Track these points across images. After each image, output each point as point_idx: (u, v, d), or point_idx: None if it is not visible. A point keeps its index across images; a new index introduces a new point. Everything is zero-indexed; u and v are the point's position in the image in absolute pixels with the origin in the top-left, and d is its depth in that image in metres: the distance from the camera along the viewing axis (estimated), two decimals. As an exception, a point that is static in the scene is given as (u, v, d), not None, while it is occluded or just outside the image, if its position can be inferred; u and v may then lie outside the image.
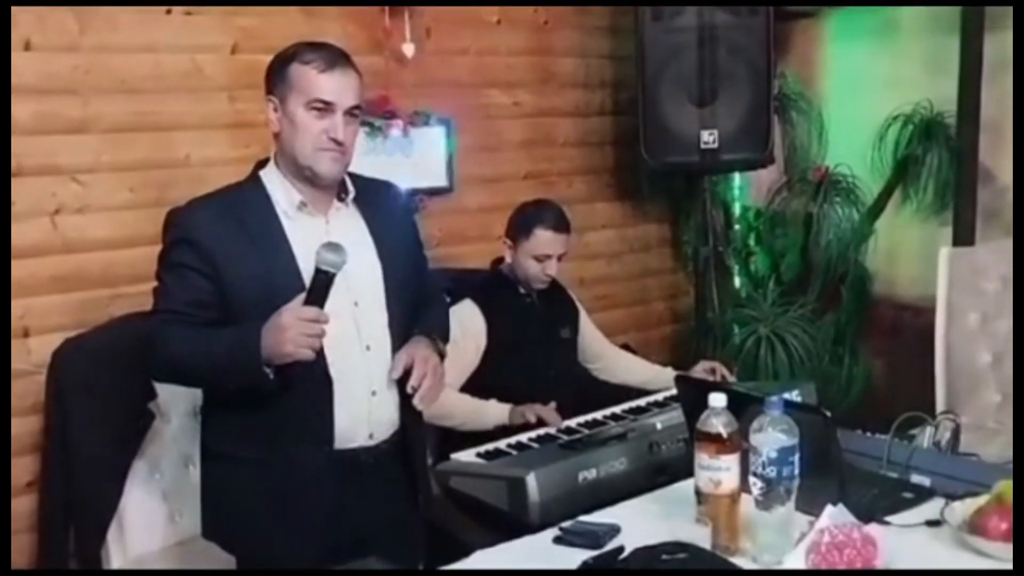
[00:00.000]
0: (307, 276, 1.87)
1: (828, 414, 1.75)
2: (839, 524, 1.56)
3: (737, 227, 4.22)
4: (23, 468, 2.74)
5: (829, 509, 1.59)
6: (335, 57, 1.93)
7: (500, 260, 2.95)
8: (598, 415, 2.67)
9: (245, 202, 1.95)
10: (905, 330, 3.90)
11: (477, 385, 2.75)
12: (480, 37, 3.61)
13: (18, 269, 2.72)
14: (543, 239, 2.80)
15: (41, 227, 2.75)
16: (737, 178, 4.24)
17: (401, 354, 1.97)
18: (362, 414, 1.96)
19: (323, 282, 1.81)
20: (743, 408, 1.72)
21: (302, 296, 1.82)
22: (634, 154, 3.86)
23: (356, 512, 1.94)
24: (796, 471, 1.61)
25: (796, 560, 1.56)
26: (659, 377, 2.99)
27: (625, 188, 4.10)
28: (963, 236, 3.55)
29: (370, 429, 1.98)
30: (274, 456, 1.90)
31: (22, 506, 2.74)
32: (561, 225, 2.84)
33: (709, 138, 3.47)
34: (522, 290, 2.90)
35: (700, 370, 2.99)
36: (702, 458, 1.69)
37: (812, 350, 3.65)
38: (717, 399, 1.68)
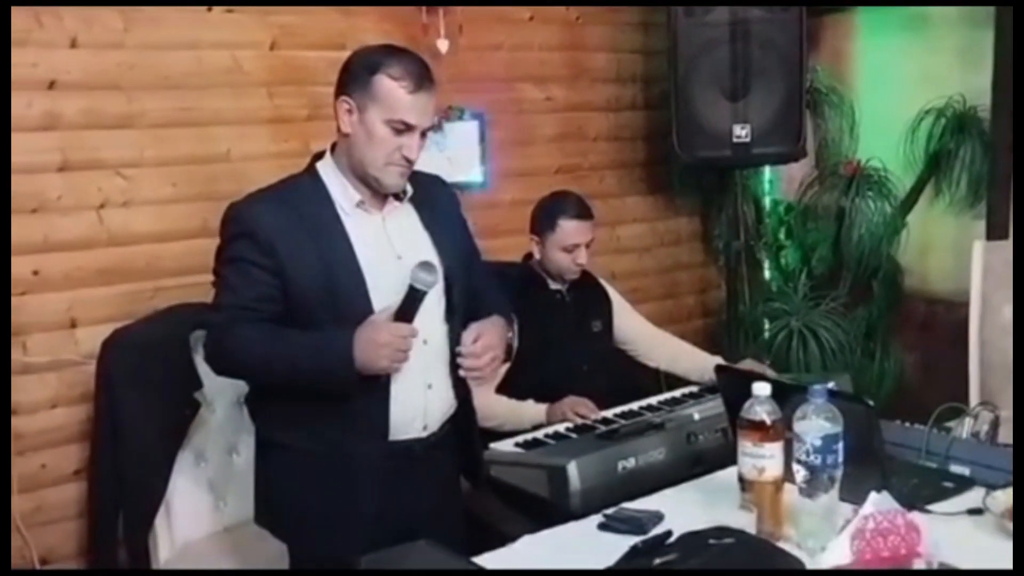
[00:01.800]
0: (367, 272, 1.91)
1: (870, 403, 1.77)
2: (883, 511, 1.58)
3: (767, 221, 4.23)
4: (71, 457, 2.81)
5: (873, 496, 1.61)
6: (422, 77, 1.90)
7: (529, 256, 2.97)
8: (634, 406, 2.69)
9: (304, 196, 1.96)
10: (937, 325, 3.89)
11: (511, 384, 2.76)
12: (513, 33, 3.65)
13: (65, 262, 2.78)
14: (568, 229, 2.82)
15: (87, 221, 2.82)
16: (768, 172, 4.25)
17: (474, 327, 1.99)
18: (418, 407, 1.99)
19: (416, 299, 1.87)
20: (785, 398, 1.75)
21: (389, 310, 1.87)
22: (665, 148, 3.88)
23: (406, 502, 1.98)
24: (840, 459, 1.63)
25: (841, 546, 1.58)
26: (704, 366, 2.94)
27: (656, 182, 4.12)
28: (997, 230, 3.54)
29: (424, 421, 2.01)
30: (330, 447, 1.93)
31: (70, 493, 2.81)
32: (584, 213, 2.86)
33: (742, 132, 3.48)
34: (553, 285, 2.92)
35: (743, 365, 2.98)
36: (746, 445, 1.71)
37: (844, 344, 3.66)
38: (761, 388, 1.71)
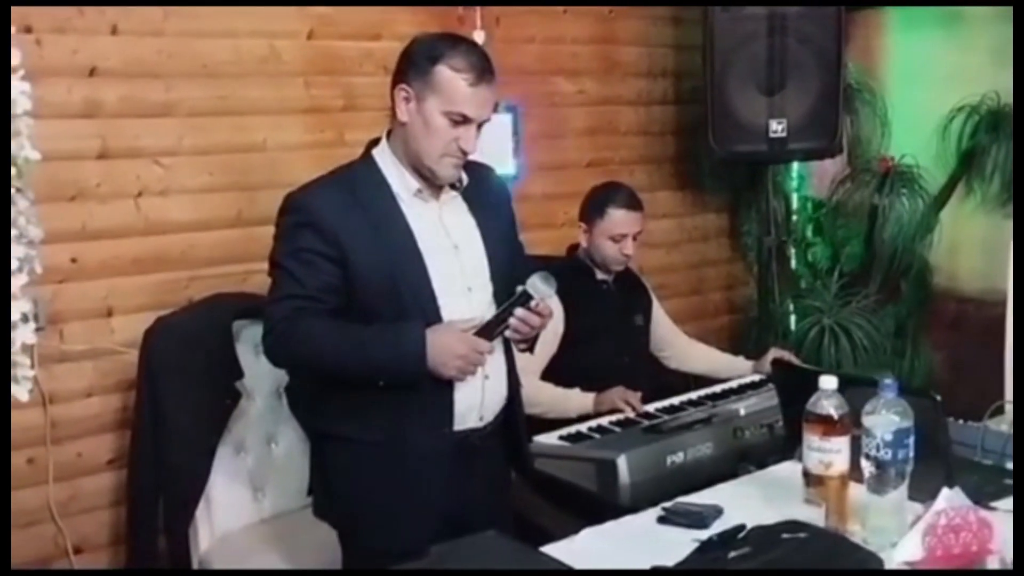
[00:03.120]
0: (428, 259, 1.91)
1: (938, 398, 1.75)
2: (956, 507, 1.57)
3: (796, 218, 4.21)
4: (106, 446, 2.80)
5: (945, 492, 1.59)
6: (483, 69, 1.88)
7: (575, 247, 2.96)
8: (675, 401, 2.68)
9: (362, 185, 1.94)
10: (967, 323, 3.87)
11: (554, 371, 2.76)
12: (547, 25, 3.63)
13: (102, 251, 2.77)
14: (617, 218, 2.82)
15: (125, 209, 2.80)
16: (797, 168, 4.23)
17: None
18: (476, 398, 1.98)
19: (520, 304, 1.89)
20: (846, 392, 1.73)
21: (471, 321, 1.89)
22: (696, 143, 3.87)
23: (465, 494, 1.97)
24: (911, 454, 1.61)
25: (912, 542, 1.56)
26: (732, 366, 2.99)
27: (686, 177, 4.10)
28: (1029, 228, 3.52)
29: (481, 412, 2.01)
30: (394, 439, 1.92)
31: (105, 482, 2.80)
32: (634, 203, 2.86)
33: (777, 127, 3.46)
34: (599, 276, 2.91)
35: (769, 358, 2.99)
36: (812, 440, 1.70)
37: (876, 342, 3.64)
38: (828, 381, 1.69)
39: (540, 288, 1.90)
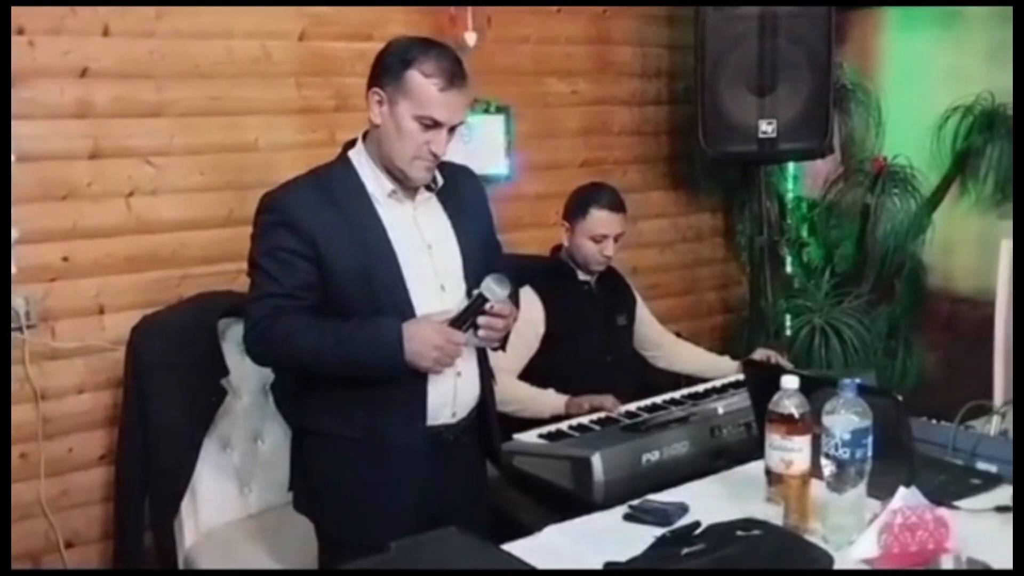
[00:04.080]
0: (401, 259, 1.95)
1: (899, 398, 1.77)
2: (912, 505, 1.59)
3: (789, 218, 4.22)
4: (97, 441, 2.85)
5: (902, 491, 1.61)
6: (454, 74, 1.90)
7: (559, 248, 2.98)
8: (657, 400, 2.69)
9: (338, 185, 1.97)
10: (961, 323, 3.87)
11: (535, 371, 2.78)
12: (540, 26, 3.65)
13: (94, 250, 2.81)
14: (599, 219, 2.83)
15: (116, 208, 2.84)
16: (791, 168, 4.23)
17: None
18: (448, 394, 2.01)
19: (479, 309, 1.92)
20: (812, 392, 1.75)
21: (446, 313, 1.92)
22: (689, 143, 3.89)
23: (439, 488, 2.00)
24: (869, 453, 1.63)
25: (868, 540, 1.58)
26: (716, 366, 3.01)
27: (679, 177, 4.11)
28: (1024, 228, 3.52)
29: (454, 408, 2.04)
30: (369, 433, 1.96)
31: (96, 478, 2.85)
32: (616, 205, 2.87)
33: (768, 128, 3.47)
34: (581, 277, 2.93)
35: (757, 357, 3.01)
36: (773, 439, 1.71)
37: (867, 342, 3.65)
38: (790, 381, 1.71)
39: (495, 290, 1.93)
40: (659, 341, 3.14)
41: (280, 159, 3.05)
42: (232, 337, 2.62)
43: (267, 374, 2.67)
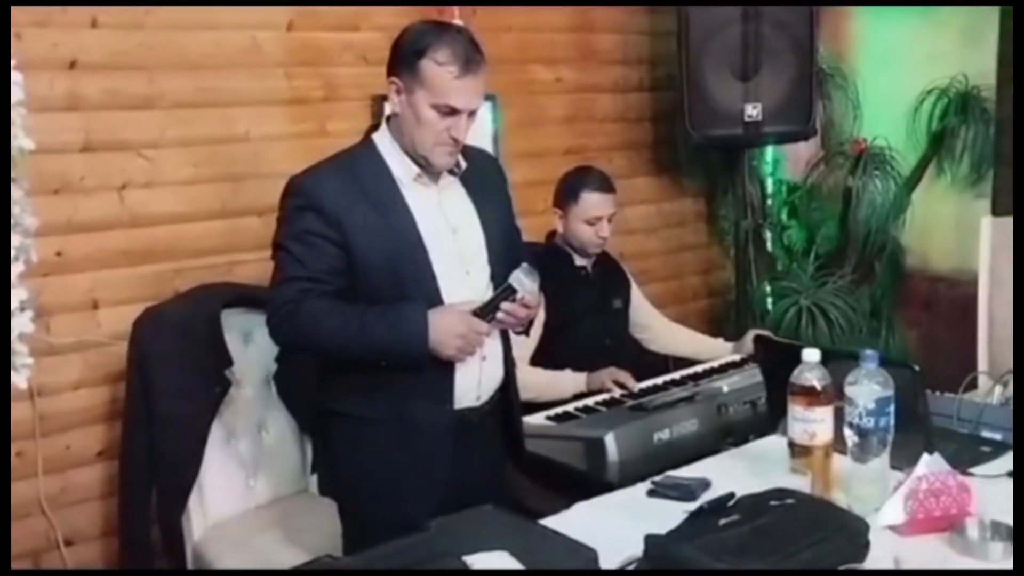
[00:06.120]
0: (428, 243, 1.95)
1: (917, 368, 1.81)
2: (936, 472, 1.63)
3: (771, 201, 4.28)
4: (95, 438, 2.81)
5: (926, 457, 1.66)
6: (469, 60, 1.89)
7: (553, 234, 3.00)
8: (659, 380, 2.73)
9: (363, 169, 1.97)
10: (940, 302, 3.96)
11: (538, 357, 2.79)
12: (524, 14, 3.65)
13: (87, 243, 2.77)
14: (591, 201, 2.85)
15: (109, 202, 2.80)
16: (771, 152, 4.29)
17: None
18: (474, 377, 2.03)
19: (508, 298, 1.94)
20: (828, 366, 1.79)
21: (473, 303, 1.92)
22: (672, 129, 3.93)
23: (462, 469, 2.01)
24: (892, 422, 1.67)
25: (894, 507, 1.62)
26: (711, 348, 3.05)
27: (663, 163, 4.15)
28: (1001, 207, 3.60)
29: (478, 392, 2.05)
30: (397, 416, 1.96)
31: (95, 474, 2.81)
32: (606, 186, 2.89)
33: (753, 111, 3.52)
34: (577, 262, 2.95)
35: (749, 340, 3.05)
36: (796, 411, 1.75)
37: (853, 321, 3.72)
38: (811, 354, 1.75)
39: (524, 283, 1.95)
40: (652, 324, 3.17)
41: (271, 150, 3.04)
42: (235, 327, 2.61)
43: (270, 364, 2.66)
